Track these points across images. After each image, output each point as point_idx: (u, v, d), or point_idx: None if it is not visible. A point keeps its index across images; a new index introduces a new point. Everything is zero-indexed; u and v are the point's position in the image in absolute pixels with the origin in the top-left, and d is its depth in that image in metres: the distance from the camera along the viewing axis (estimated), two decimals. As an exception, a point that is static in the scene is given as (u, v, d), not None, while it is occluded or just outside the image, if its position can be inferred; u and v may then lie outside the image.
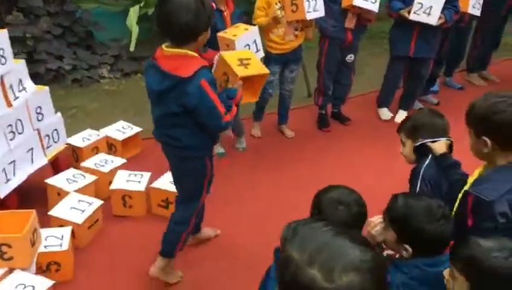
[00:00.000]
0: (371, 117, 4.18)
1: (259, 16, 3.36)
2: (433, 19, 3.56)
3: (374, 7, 3.43)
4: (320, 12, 3.33)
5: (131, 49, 4.30)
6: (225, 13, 3.10)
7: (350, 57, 3.77)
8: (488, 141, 1.55)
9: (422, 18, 3.56)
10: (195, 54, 2.03)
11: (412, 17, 3.57)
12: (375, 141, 3.79)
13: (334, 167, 3.45)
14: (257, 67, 2.25)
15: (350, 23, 3.54)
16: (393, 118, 4.14)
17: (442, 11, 3.58)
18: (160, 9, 2.01)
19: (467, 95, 4.62)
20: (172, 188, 2.61)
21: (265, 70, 2.27)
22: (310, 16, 3.27)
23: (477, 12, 4.01)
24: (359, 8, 3.43)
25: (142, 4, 4.46)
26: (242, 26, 2.65)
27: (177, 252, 2.43)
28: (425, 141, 2.00)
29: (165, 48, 2.04)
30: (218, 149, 3.45)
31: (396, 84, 4.16)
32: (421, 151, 2.02)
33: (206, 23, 2.00)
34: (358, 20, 3.55)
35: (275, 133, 3.89)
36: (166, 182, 2.89)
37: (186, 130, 2.14)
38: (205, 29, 2.02)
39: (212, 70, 2.17)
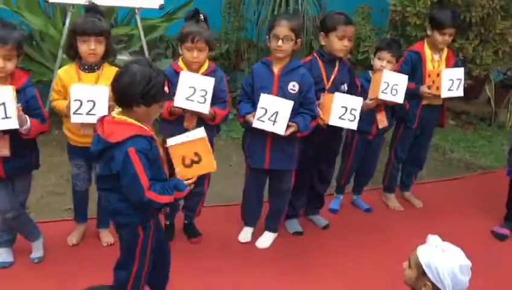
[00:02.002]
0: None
1: (54, 98, 2.87)
2: (280, 127, 2.90)
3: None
4: None
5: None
6: None
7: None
8: None
9: (267, 126, 2.91)
10: (134, 122, 2.12)
11: (255, 124, 2.93)
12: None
13: None
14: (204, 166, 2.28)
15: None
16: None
17: (294, 118, 2.95)
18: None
19: (370, 218, 3.83)
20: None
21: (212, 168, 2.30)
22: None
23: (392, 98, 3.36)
24: None
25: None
26: None
27: None
28: None
29: (115, 114, 2.17)
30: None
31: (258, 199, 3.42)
32: None
33: (145, 95, 2.07)
34: None
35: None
36: None
37: (115, 194, 2.19)
38: (144, 101, 2.08)
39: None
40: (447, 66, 3.68)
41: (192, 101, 2.77)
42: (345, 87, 3.26)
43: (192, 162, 2.25)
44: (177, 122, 2.92)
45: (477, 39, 5.46)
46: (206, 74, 2.92)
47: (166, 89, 2.16)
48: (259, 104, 2.87)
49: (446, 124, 4.14)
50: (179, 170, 2.24)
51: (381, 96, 3.34)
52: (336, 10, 3.37)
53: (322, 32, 3.20)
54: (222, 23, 5.59)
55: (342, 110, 3.07)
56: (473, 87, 5.89)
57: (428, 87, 3.60)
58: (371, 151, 3.71)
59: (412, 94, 3.62)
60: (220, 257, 3.18)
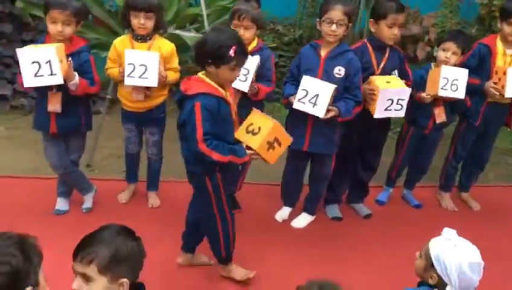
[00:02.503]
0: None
1: (109, 66, 3.11)
2: (320, 110, 2.91)
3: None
4: None
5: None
6: None
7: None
8: None
9: (307, 108, 2.93)
10: (210, 82, 2.36)
11: (296, 105, 2.95)
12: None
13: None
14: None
15: None
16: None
17: (337, 102, 2.93)
18: None
19: (418, 214, 3.70)
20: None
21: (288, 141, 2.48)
22: None
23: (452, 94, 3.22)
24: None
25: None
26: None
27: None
28: None
29: (200, 74, 2.44)
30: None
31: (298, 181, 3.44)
32: None
33: (212, 56, 2.31)
34: None
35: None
36: None
37: (184, 143, 2.45)
38: (213, 61, 2.32)
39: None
40: (523, 62, 3.42)
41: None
42: (395, 74, 3.18)
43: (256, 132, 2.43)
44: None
45: None
46: (253, 51, 2.99)
47: (231, 52, 2.32)
48: (301, 86, 2.89)
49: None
50: (247, 138, 2.42)
51: (441, 92, 3.20)
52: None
53: (371, 19, 3.14)
54: (298, 9, 5.60)
55: (388, 102, 3.01)
56: None
57: (495, 86, 3.38)
58: (427, 147, 3.57)
59: (475, 90, 3.43)
60: (254, 232, 3.27)
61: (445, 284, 1.94)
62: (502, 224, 3.66)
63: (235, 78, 2.48)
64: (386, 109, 3.01)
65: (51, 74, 2.66)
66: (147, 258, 1.69)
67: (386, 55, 3.15)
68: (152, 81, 2.94)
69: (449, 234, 2.02)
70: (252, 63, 2.88)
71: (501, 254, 3.22)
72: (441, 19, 6.02)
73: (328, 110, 2.89)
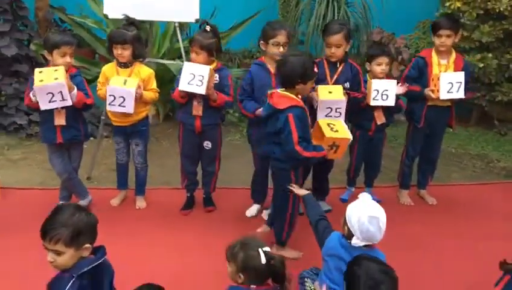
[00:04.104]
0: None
1: (99, 88, 3.73)
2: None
3: None
4: None
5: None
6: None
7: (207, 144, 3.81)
8: None
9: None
10: (293, 96, 3.01)
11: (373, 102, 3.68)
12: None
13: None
14: (342, 132, 3.14)
15: None
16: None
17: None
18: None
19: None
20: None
21: (349, 136, 3.14)
22: None
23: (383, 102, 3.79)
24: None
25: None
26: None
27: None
28: None
29: (280, 90, 3.07)
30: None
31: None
32: None
33: (302, 75, 2.97)
34: None
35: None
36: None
37: (277, 146, 3.07)
38: (302, 80, 2.98)
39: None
40: (456, 69, 3.91)
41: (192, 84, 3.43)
42: (347, 85, 3.73)
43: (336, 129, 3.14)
44: (187, 109, 3.65)
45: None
46: (214, 70, 3.58)
47: (315, 69, 3.05)
48: None
49: (454, 126, 4.31)
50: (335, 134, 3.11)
51: (373, 102, 3.75)
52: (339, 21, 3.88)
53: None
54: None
55: (327, 110, 3.53)
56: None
57: (432, 91, 3.87)
58: (374, 146, 4.06)
59: (417, 96, 3.94)
60: (228, 227, 3.76)
61: (352, 235, 2.41)
62: (451, 217, 4.08)
63: None
64: (326, 115, 3.51)
65: (62, 100, 3.36)
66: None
67: (339, 69, 3.71)
68: (129, 109, 3.58)
69: (363, 196, 2.49)
70: (206, 70, 3.41)
71: (440, 242, 3.68)
72: (415, 40, 6.58)
73: None
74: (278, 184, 3.24)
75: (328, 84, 3.67)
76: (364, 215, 2.37)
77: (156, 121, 5.88)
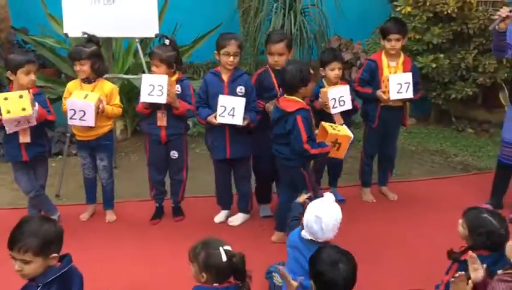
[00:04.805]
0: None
1: (63, 103, 3.80)
2: (238, 119, 3.61)
3: None
4: None
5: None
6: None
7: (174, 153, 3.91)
8: None
9: (227, 120, 3.61)
10: (299, 100, 3.34)
11: (219, 120, 3.62)
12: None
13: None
14: (344, 131, 3.51)
15: None
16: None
17: (246, 113, 3.64)
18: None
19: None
20: None
21: (350, 134, 3.50)
22: None
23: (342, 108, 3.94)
24: None
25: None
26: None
27: None
28: None
29: (285, 96, 3.39)
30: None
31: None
32: None
33: (302, 80, 3.32)
34: None
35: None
36: None
37: (286, 146, 3.38)
38: (303, 84, 3.32)
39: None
40: (404, 71, 4.12)
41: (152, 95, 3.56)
42: None
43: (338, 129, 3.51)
44: (151, 120, 3.77)
45: (476, 49, 5.74)
46: (176, 80, 3.73)
47: (311, 71, 3.40)
48: (219, 104, 3.58)
49: (408, 125, 4.54)
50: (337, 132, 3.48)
51: (333, 111, 3.89)
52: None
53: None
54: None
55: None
56: (492, 96, 6.08)
57: (384, 92, 4.08)
58: (335, 148, 4.24)
59: (370, 97, 4.14)
60: (197, 234, 3.84)
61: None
62: (411, 211, 4.29)
63: None
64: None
65: (28, 123, 3.50)
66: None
67: None
68: (89, 122, 3.68)
69: (327, 196, 2.66)
70: (163, 79, 3.55)
71: (400, 234, 3.88)
72: (372, 45, 6.83)
73: (244, 119, 3.61)
74: (288, 179, 3.57)
75: (276, 93, 3.78)
76: (312, 214, 2.59)
77: (125, 136, 5.95)
